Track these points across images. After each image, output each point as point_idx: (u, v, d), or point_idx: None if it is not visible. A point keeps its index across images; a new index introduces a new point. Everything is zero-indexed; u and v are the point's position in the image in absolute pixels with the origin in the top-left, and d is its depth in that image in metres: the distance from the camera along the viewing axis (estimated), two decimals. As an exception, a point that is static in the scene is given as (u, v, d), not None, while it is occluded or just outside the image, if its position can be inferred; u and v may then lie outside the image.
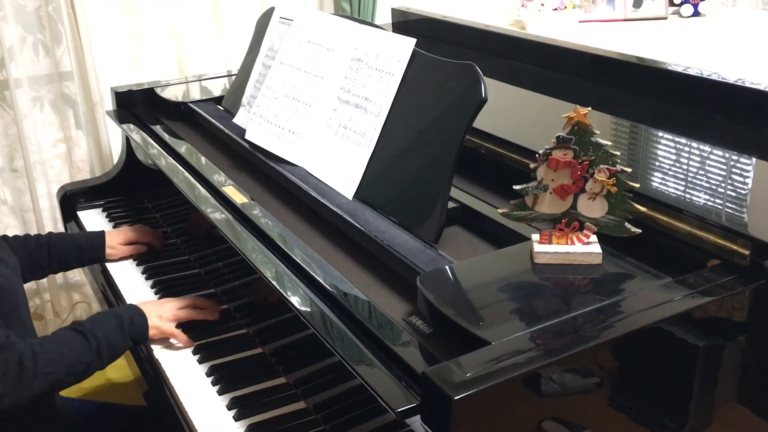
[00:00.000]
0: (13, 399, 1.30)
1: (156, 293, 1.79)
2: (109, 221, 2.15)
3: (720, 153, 1.48)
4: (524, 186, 1.17)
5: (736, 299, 1.10)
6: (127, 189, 2.24)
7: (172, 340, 1.56)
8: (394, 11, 2.63)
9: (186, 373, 1.49)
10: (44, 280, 2.73)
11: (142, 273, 1.87)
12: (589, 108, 1.12)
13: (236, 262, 1.59)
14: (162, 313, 1.54)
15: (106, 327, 1.44)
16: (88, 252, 1.85)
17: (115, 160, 2.48)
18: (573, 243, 1.17)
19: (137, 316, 1.50)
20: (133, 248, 1.91)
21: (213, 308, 1.62)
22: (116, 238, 1.89)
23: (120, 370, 2.49)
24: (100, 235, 1.88)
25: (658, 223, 1.20)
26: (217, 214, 1.54)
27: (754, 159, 1.44)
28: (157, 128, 2.04)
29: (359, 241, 1.39)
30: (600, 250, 1.16)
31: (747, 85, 1.59)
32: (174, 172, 1.77)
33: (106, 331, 1.43)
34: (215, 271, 1.78)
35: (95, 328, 1.42)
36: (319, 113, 1.62)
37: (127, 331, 1.46)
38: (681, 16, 2.64)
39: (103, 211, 2.21)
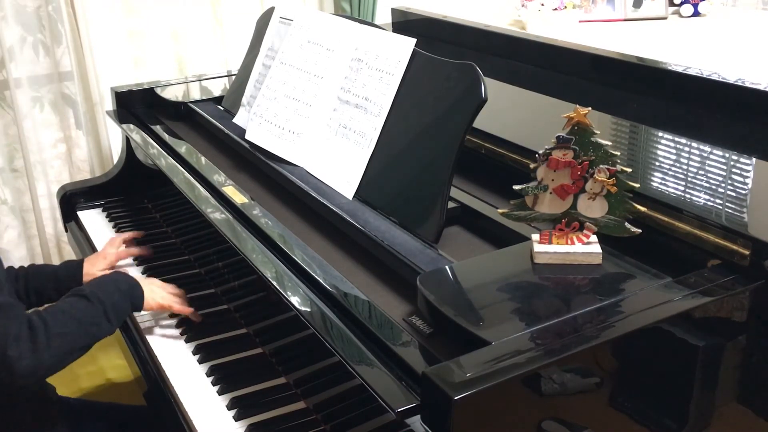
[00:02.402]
0: (32, 363, 1.27)
1: (156, 293, 1.79)
2: (109, 221, 2.15)
3: (720, 153, 1.48)
4: (524, 186, 1.17)
5: (736, 299, 1.10)
6: (127, 189, 2.24)
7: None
8: (394, 11, 2.64)
9: (186, 373, 1.49)
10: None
11: (142, 273, 1.87)
12: (589, 108, 1.12)
13: (236, 262, 1.59)
14: (153, 290, 1.56)
15: (107, 290, 1.44)
16: (66, 283, 1.76)
17: (115, 160, 2.48)
18: (573, 243, 1.17)
19: (132, 281, 1.51)
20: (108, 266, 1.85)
21: (186, 311, 1.63)
22: (96, 265, 1.81)
23: (120, 370, 2.49)
24: (78, 264, 1.81)
25: (658, 223, 1.20)
26: (217, 214, 1.54)
27: (754, 159, 1.44)
28: (157, 128, 2.04)
29: (359, 241, 1.39)
30: (600, 250, 1.16)
31: (747, 85, 1.59)
32: (174, 172, 1.77)
33: (108, 293, 1.43)
34: (215, 271, 1.78)
35: (97, 291, 1.41)
36: (319, 113, 1.62)
37: (127, 294, 1.46)
38: (681, 16, 2.64)
39: (103, 211, 2.21)
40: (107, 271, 1.82)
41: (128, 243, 1.92)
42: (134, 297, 1.49)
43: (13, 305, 1.30)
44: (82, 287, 1.44)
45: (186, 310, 1.59)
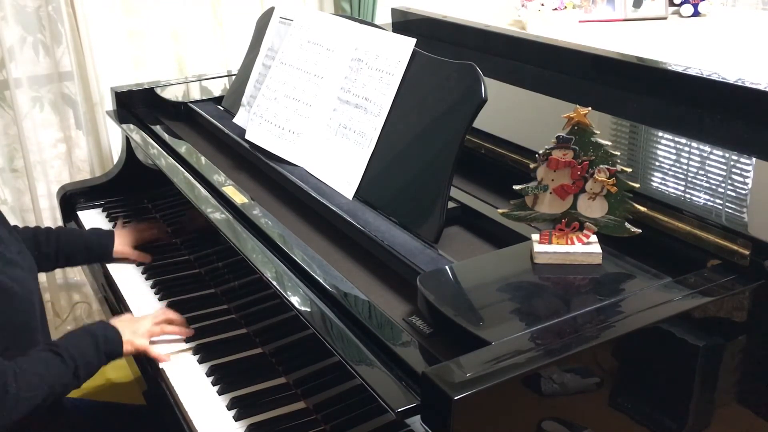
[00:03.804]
0: None
1: (156, 293, 1.79)
2: (109, 221, 2.15)
3: (720, 153, 1.48)
4: (524, 186, 1.17)
5: (736, 299, 1.10)
6: (127, 189, 2.24)
7: (169, 336, 1.57)
8: (394, 11, 2.63)
9: (186, 373, 1.49)
10: (44, 279, 2.73)
11: (142, 273, 1.87)
12: (589, 108, 1.12)
13: (236, 262, 1.59)
14: (136, 330, 1.53)
15: (82, 346, 1.43)
16: (97, 251, 1.86)
17: (115, 160, 2.48)
18: (573, 243, 1.17)
19: (111, 333, 1.49)
20: (140, 255, 1.90)
21: (185, 325, 1.62)
22: (126, 241, 1.89)
23: (120, 370, 2.49)
24: (110, 235, 1.89)
25: (658, 223, 1.20)
26: (217, 214, 1.54)
27: (754, 159, 1.44)
28: (157, 128, 2.04)
29: (359, 241, 1.39)
30: (600, 250, 1.16)
31: (747, 85, 1.59)
32: (174, 172, 1.77)
33: (82, 350, 1.42)
34: (215, 271, 1.78)
35: (71, 348, 1.41)
36: (319, 113, 1.62)
37: (102, 349, 1.45)
38: (681, 16, 2.64)
39: (103, 211, 2.21)
40: (137, 252, 1.89)
41: (157, 237, 1.97)
42: (110, 350, 1.47)
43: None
44: (59, 343, 1.42)
45: (162, 357, 1.53)
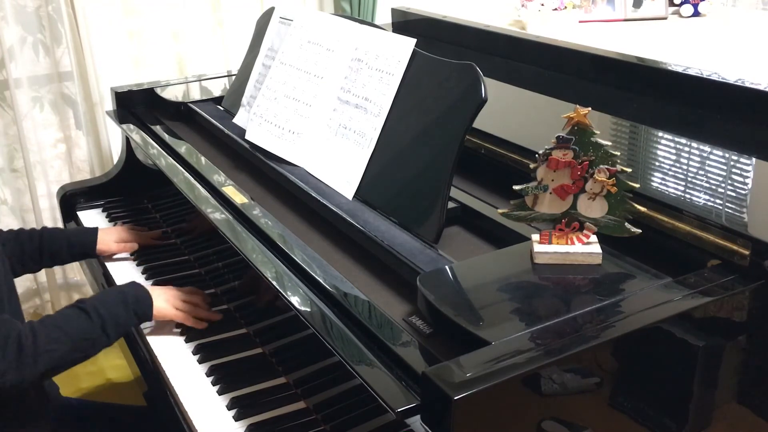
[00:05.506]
0: (16, 377, 1.29)
1: (156, 293, 1.79)
2: (110, 221, 2.15)
3: (720, 153, 1.48)
4: (524, 186, 1.17)
5: (736, 299, 1.10)
6: (127, 189, 2.24)
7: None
8: (394, 11, 2.64)
9: (186, 373, 1.49)
10: (44, 279, 2.74)
11: (142, 273, 1.87)
12: (589, 108, 1.12)
13: (236, 262, 1.59)
14: (167, 298, 1.54)
15: (110, 303, 1.43)
16: (79, 247, 1.85)
17: (115, 160, 2.48)
18: (573, 243, 1.17)
19: (142, 293, 1.50)
20: (124, 246, 1.91)
21: (210, 317, 1.61)
22: (109, 235, 1.90)
23: (120, 370, 2.49)
24: (93, 230, 1.89)
25: (658, 223, 1.20)
26: (217, 214, 1.54)
27: (754, 159, 1.44)
28: (157, 128, 2.04)
29: (359, 241, 1.39)
30: (600, 250, 1.16)
31: (747, 85, 1.59)
32: (174, 172, 1.77)
33: (110, 307, 1.42)
34: (215, 271, 1.78)
35: (98, 304, 1.41)
36: (319, 113, 1.62)
37: (132, 307, 1.45)
38: (681, 16, 2.64)
39: (103, 211, 2.21)
40: (120, 244, 1.89)
41: (143, 241, 1.95)
42: (140, 310, 1.48)
43: (4, 321, 1.31)
44: (85, 300, 1.43)
45: (199, 324, 1.56)
